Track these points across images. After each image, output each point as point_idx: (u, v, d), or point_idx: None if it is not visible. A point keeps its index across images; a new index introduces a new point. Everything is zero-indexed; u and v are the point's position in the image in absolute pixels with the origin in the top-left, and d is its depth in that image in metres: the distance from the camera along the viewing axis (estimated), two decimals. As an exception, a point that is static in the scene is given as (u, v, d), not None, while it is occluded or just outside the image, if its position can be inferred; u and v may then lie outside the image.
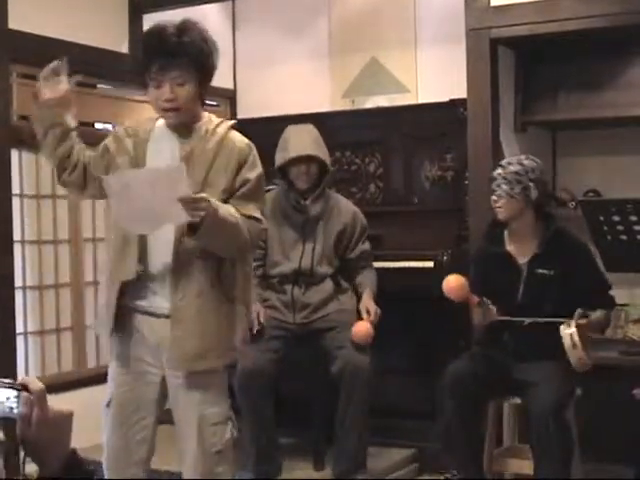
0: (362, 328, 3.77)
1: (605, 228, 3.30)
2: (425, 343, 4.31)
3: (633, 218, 3.22)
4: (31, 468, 1.41)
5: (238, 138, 2.77)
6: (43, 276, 4.40)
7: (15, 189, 4.17)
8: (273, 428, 3.83)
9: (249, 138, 2.80)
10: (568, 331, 3.23)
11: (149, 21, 4.69)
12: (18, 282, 4.19)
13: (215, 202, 2.56)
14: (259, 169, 2.76)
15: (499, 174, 3.45)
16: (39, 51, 4.06)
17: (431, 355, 4.25)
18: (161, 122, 2.79)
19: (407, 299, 4.14)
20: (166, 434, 2.95)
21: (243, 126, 2.95)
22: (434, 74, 4.75)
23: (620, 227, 3.26)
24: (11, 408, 1.35)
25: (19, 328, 4.20)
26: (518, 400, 3.53)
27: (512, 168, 3.45)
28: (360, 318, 3.83)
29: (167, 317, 2.70)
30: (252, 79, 5.22)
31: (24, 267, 4.27)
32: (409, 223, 4.48)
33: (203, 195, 2.55)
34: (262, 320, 3.78)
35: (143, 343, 2.75)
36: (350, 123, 4.81)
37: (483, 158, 4.04)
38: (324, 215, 3.96)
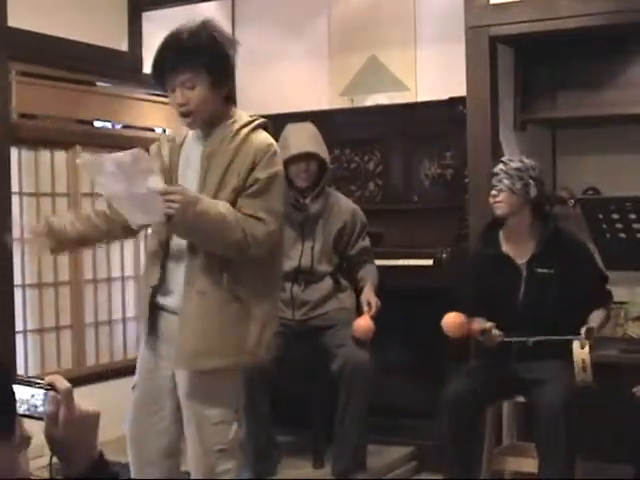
0: (363, 323, 3.78)
1: (604, 226, 3.29)
2: (424, 341, 4.30)
3: (632, 216, 3.21)
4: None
5: (259, 139, 2.72)
6: (42, 274, 4.39)
7: (14, 187, 4.16)
8: (270, 425, 3.83)
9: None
10: (581, 352, 3.21)
11: (148, 19, 4.69)
12: (17, 280, 4.19)
13: (194, 195, 2.56)
14: (272, 169, 2.70)
15: (501, 169, 3.46)
16: (38, 49, 4.07)
17: (430, 353, 4.24)
18: None
19: (406, 297, 4.13)
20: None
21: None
22: (433, 72, 4.74)
23: (619, 225, 3.25)
24: (36, 406, 1.33)
25: (18, 326, 4.20)
26: (522, 399, 3.52)
27: (514, 164, 3.46)
28: (360, 315, 3.84)
29: (177, 314, 2.74)
30: (251, 77, 5.21)
31: (23, 265, 4.26)
32: (408, 221, 4.47)
33: (177, 187, 2.56)
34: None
35: (162, 337, 2.80)
36: (349, 121, 4.80)
37: (483, 156, 4.03)
38: (324, 213, 3.95)
